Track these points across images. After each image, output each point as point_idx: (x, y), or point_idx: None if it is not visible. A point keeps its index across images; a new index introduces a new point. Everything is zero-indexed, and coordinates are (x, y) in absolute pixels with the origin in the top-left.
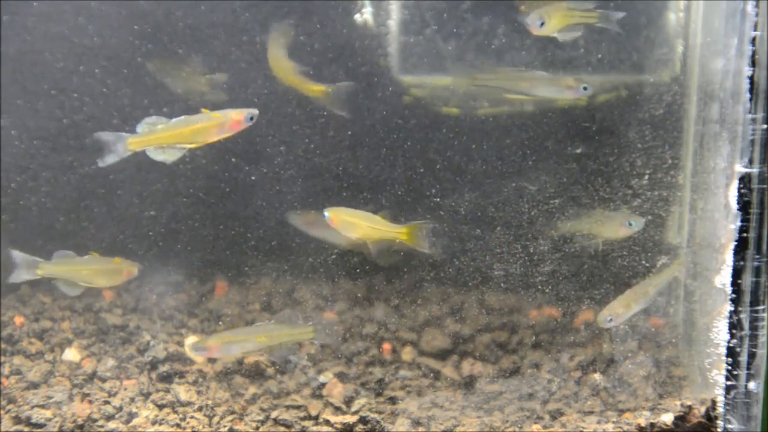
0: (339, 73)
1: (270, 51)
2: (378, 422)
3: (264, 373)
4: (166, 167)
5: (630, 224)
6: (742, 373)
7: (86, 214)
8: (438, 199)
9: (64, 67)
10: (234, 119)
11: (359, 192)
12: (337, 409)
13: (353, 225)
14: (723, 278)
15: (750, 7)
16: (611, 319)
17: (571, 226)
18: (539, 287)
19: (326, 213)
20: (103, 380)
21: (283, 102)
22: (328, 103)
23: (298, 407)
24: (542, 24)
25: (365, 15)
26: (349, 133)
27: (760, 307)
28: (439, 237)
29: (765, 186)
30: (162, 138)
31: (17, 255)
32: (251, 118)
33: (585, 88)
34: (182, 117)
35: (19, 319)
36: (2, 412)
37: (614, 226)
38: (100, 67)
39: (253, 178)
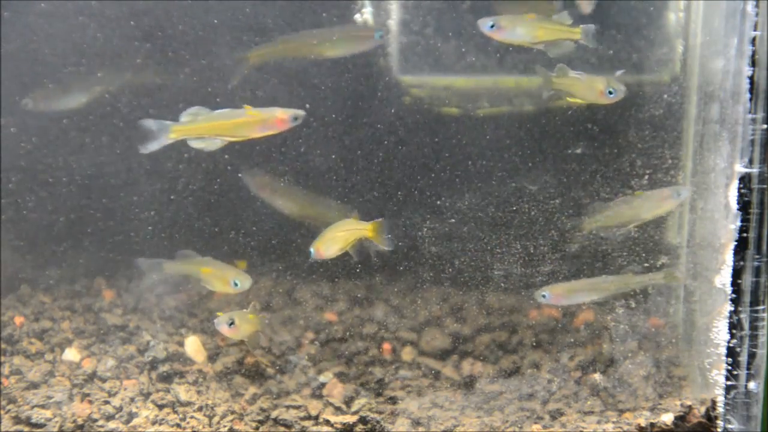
0: (338, 73)
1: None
2: (378, 422)
3: (264, 373)
4: (165, 167)
5: (678, 194)
6: (742, 373)
7: (85, 213)
8: (438, 199)
9: (64, 65)
10: (278, 118)
11: (359, 193)
12: (337, 409)
13: (333, 239)
14: (723, 278)
15: (750, 7)
16: (545, 296)
17: (598, 219)
18: (539, 287)
19: (312, 250)
20: (103, 380)
21: (282, 102)
22: None
23: (298, 407)
24: (492, 26)
25: (365, 15)
26: (349, 133)
27: (760, 307)
28: (398, 234)
29: (765, 186)
30: (204, 129)
31: (143, 262)
32: (295, 119)
33: (611, 92)
34: (226, 110)
35: (19, 319)
36: (2, 412)
37: (656, 202)
38: (102, 66)
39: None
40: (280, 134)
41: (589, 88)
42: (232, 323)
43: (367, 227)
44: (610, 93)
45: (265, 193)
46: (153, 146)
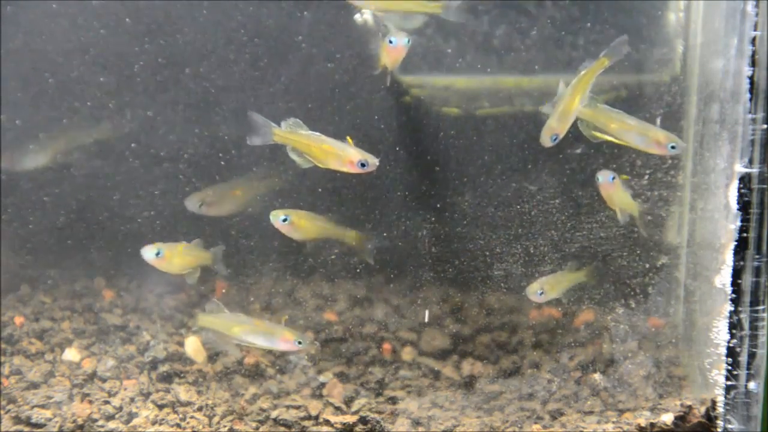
0: (339, 74)
1: None
2: (378, 422)
3: (264, 373)
4: (164, 167)
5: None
6: (742, 373)
7: (85, 213)
8: (438, 199)
9: (64, 66)
10: (349, 158)
11: (359, 192)
12: (337, 409)
13: (306, 228)
14: (723, 278)
15: (750, 7)
16: (542, 293)
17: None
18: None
19: (282, 217)
20: (103, 380)
21: (283, 103)
22: None
23: (298, 407)
24: None
25: (365, 15)
26: (349, 133)
27: (760, 307)
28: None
29: (765, 186)
30: (297, 143)
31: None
32: (362, 165)
33: (673, 147)
34: (317, 134)
35: (19, 319)
36: (2, 412)
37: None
38: (101, 67)
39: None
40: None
41: (640, 135)
42: (158, 253)
43: (348, 234)
44: (673, 148)
45: (214, 211)
46: (257, 141)
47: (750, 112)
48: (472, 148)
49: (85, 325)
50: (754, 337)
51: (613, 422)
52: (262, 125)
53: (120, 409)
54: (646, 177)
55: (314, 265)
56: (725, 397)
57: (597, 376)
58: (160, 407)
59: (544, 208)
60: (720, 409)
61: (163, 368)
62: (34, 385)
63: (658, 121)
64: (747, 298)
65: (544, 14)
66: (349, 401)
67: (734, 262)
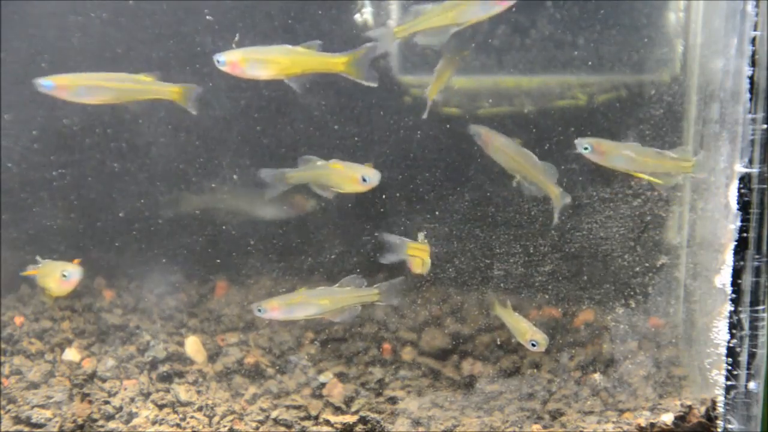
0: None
1: None
2: (378, 422)
3: (264, 373)
4: (166, 168)
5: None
6: (742, 373)
7: (86, 212)
8: (438, 199)
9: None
10: (353, 175)
11: (360, 198)
12: (337, 409)
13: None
14: (723, 278)
15: (750, 7)
16: (260, 310)
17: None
18: (539, 287)
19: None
20: (103, 380)
21: (282, 103)
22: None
23: (298, 407)
24: None
25: (365, 15)
26: (349, 133)
27: (760, 307)
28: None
29: (765, 186)
30: (306, 177)
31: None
32: (364, 180)
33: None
34: (320, 162)
35: (19, 319)
36: (2, 412)
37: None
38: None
39: (252, 178)
40: (281, 134)
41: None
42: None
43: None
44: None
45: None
46: (272, 193)
47: (750, 112)
48: (472, 148)
49: (85, 325)
50: (754, 337)
51: (613, 422)
52: (270, 176)
53: (120, 409)
54: None
55: (314, 265)
56: (725, 397)
57: (597, 376)
58: (160, 407)
59: (543, 208)
60: (720, 409)
61: (163, 368)
62: (34, 385)
63: (659, 121)
64: (747, 298)
65: (544, 14)
66: (349, 401)
67: (734, 262)
